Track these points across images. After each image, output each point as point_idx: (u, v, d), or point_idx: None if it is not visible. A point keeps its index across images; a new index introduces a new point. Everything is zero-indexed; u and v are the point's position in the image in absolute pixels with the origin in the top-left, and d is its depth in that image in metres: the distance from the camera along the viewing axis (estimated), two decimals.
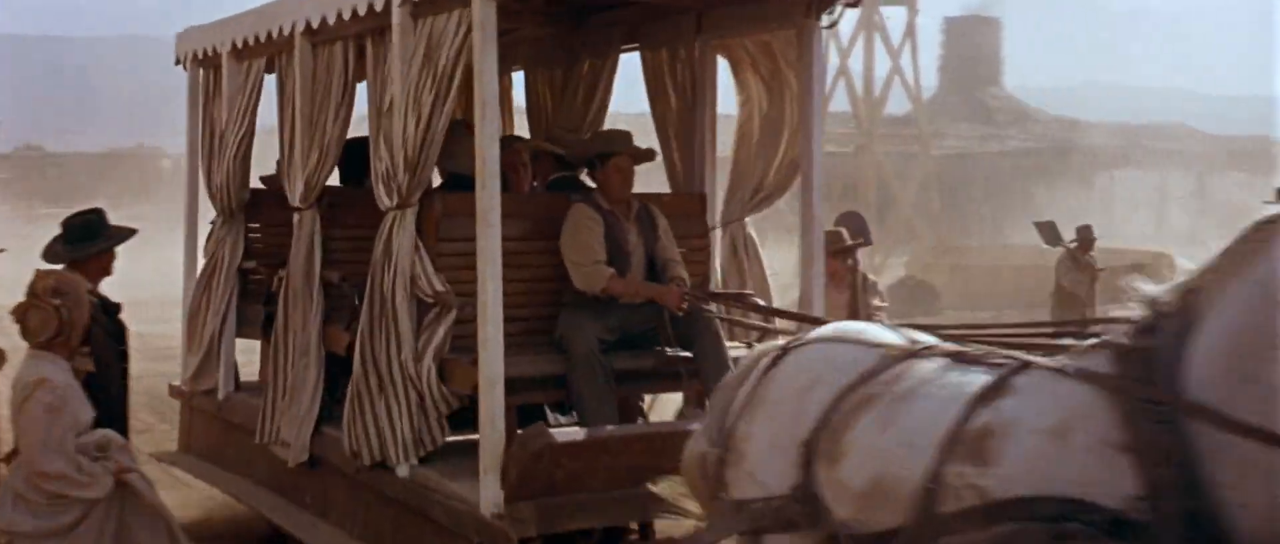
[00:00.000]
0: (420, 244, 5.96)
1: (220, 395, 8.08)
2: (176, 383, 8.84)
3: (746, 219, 7.11)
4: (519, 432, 5.56)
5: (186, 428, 8.79)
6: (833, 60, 35.15)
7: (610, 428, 5.75)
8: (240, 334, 8.19)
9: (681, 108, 7.26)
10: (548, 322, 6.31)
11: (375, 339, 6.06)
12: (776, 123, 6.88)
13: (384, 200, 6.07)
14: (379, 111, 6.22)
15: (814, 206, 6.44)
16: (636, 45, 7.53)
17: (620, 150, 6.35)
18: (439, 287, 5.90)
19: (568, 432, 5.59)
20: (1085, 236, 14.48)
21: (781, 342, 4.33)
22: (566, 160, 7.03)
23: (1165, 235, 38.24)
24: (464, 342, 5.93)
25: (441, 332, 5.89)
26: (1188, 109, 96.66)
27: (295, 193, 7.10)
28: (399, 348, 5.96)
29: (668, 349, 6.16)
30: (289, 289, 7.16)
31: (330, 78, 6.80)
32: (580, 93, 7.82)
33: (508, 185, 6.63)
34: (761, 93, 6.99)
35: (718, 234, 7.14)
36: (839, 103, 38.00)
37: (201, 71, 8.65)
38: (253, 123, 7.78)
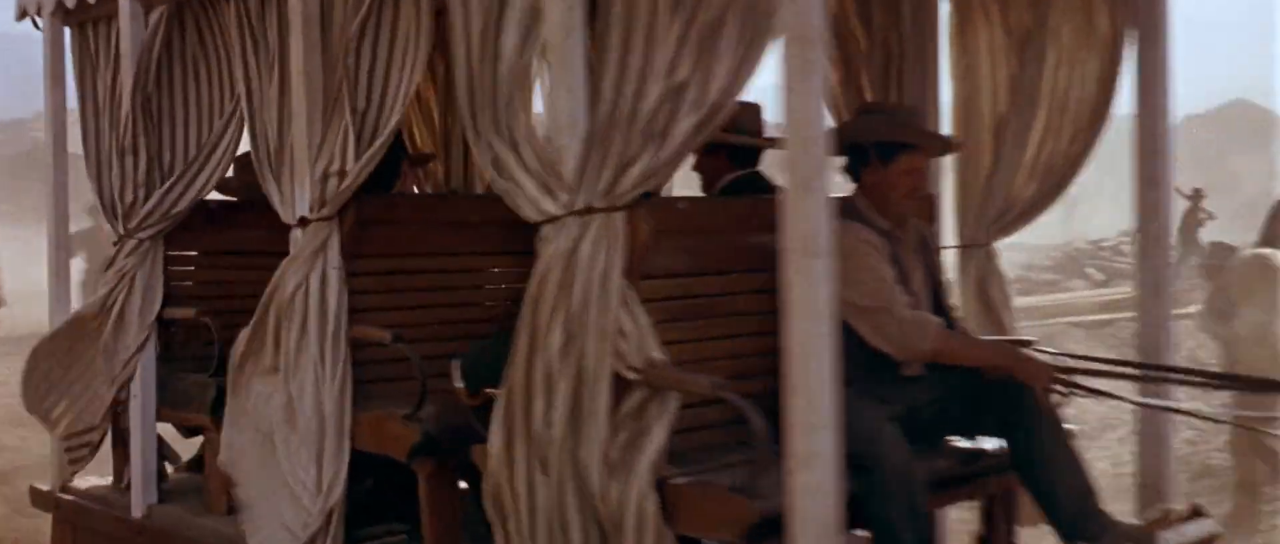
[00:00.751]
0: (629, 288, 3.50)
1: (137, 510, 5.33)
2: (44, 486, 5.99)
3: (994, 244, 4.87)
4: None
5: None
6: None
7: None
8: (161, 418, 5.44)
9: (882, 73, 4.94)
10: (758, 399, 3.83)
11: (526, 437, 3.55)
12: (1028, 101, 4.67)
13: (544, 205, 3.55)
14: (497, 63, 3.70)
15: (1165, 225, 4.26)
16: None
17: (918, 142, 4.01)
18: (656, 354, 3.44)
19: None
20: None
21: None
22: (740, 152, 4.65)
23: None
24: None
25: (658, 433, 3.41)
26: None
27: (295, 200, 4.50)
28: (575, 456, 3.48)
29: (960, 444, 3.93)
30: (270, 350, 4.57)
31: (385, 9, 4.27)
32: None
33: None
34: (1001, 56, 4.77)
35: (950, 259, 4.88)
36: None
37: (73, 29, 5.84)
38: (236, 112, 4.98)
